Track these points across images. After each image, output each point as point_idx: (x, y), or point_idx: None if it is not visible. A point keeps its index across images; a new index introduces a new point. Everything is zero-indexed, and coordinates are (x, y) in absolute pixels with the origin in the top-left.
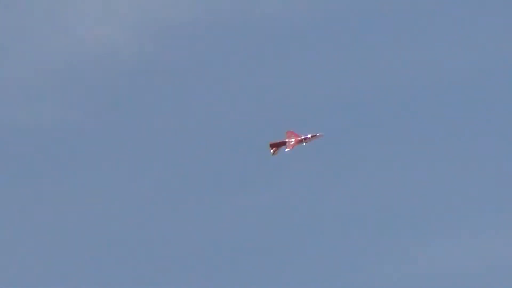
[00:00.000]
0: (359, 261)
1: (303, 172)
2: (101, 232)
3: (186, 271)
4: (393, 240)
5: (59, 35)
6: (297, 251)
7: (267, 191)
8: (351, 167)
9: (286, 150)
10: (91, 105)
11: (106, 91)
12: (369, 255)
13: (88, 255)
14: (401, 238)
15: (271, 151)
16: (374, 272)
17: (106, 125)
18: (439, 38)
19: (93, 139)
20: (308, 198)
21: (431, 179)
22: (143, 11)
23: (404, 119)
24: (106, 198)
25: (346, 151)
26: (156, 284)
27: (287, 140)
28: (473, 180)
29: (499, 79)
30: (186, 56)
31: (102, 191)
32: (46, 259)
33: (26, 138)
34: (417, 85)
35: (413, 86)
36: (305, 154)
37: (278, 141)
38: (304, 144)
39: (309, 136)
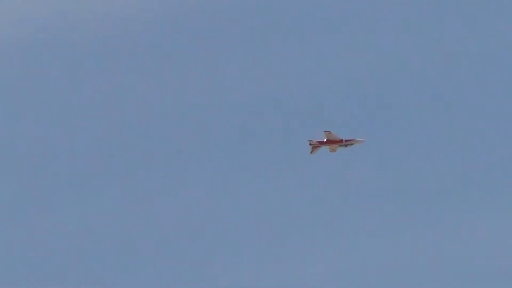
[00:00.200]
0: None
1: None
2: None
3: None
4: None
5: None
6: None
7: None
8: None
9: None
10: None
11: None
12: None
13: None
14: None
15: (311, 149)
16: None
17: None
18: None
19: None
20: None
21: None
22: None
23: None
24: None
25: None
26: None
27: (326, 140)
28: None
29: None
30: None
31: None
32: None
33: None
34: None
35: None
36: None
37: (318, 140)
38: (345, 147)
39: (350, 139)
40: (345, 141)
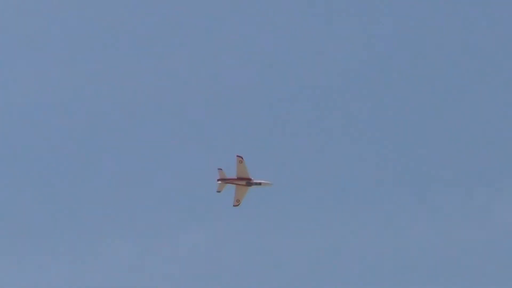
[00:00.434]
0: None
1: None
2: None
3: None
4: None
5: None
6: None
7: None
8: None
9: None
10: None
11: None
12: None
13: None
14: None
15: (219, 187)
16: None
17: None
18: None
19: None
20: None
21: None
22: None
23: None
24: None
25: None
26: None
27: (236, 179)
28: None
29: None
30: None
31: None
32: None
33: None
34: None
35: None
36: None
37: (227, 177)
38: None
39: (259, 182)
40: (253, 182)
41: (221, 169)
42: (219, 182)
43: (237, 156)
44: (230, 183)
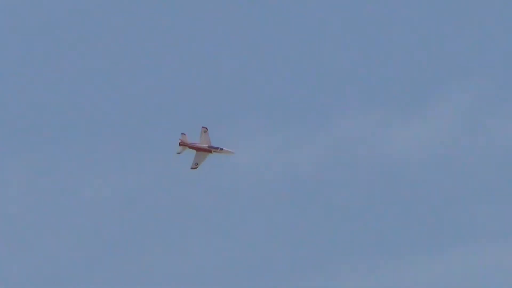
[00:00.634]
0: None
1: None
2: None
3: None
4: None
5: None
6: None
7: None
8: None
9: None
10: None
11: None
12: None
13: None
14: None
15: (180, 148)
16: None
17: None
18: None
19: None
20: None
21: None
22: None
23: None
24: None
25: None
26: None
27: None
28: None
29: None
30: None
31: None
32: None
33: None
34: None
35: None
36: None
37: (189, 142)
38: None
39: (219, 148)
40: (213, 149)
41: (184, 134)
42: (181, 146)
43: (202, 127)
44: (192, 148)
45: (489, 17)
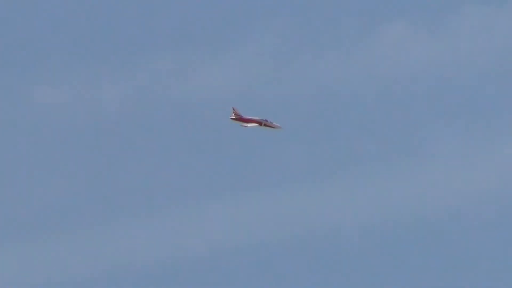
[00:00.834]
0: None
1: None
2: None
3: None
4: None
5: None
6: None
7: None
8: None
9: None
10: None
11: None
12: None
13: None
14: None
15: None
16: None
17: None
18: None
19: None
20: None
21: None
22: None
23: None
24: None
25: None
26: None
27: (246, 118)
28: None
29: None
30: None
31: None
32: None
33: None
34: None
35: None
36: None
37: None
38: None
39: (269, 122)
40: (264, 123)
41: (234, 108)
42: (234, 116)
43: (233, 107)
44: (243, 120)
45: None
